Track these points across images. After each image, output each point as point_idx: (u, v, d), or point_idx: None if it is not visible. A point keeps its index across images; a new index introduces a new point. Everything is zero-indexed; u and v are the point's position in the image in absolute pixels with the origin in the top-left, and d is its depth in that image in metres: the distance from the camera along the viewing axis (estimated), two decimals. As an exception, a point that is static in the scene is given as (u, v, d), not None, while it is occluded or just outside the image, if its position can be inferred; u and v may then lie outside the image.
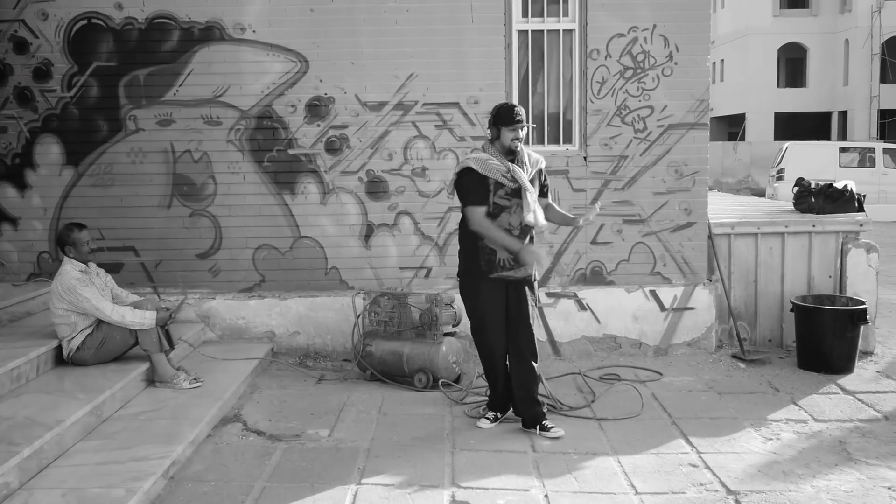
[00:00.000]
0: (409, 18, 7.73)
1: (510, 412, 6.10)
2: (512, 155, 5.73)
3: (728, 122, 44.00)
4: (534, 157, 5.90)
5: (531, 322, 5.87)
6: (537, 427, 5.85)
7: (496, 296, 5.81)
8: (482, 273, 5.77)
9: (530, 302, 5.86)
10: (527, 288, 5.85)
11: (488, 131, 5.83)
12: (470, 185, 5.71)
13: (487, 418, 6.05)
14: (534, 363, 5.88)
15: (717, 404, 6.56)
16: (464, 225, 5.83)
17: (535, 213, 5.68)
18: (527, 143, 7.84)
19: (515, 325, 5.85)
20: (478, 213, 5.66)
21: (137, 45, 7.72)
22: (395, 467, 5.29)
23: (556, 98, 8.02)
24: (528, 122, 5.80)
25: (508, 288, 5.82)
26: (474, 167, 5.67)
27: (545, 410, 6.18)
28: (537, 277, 6.00)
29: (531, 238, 5.86)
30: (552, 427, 5.85)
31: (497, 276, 5.75)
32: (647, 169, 7.89)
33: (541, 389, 6.53)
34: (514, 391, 5.94)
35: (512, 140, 5.68)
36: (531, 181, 5.76)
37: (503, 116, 5.67)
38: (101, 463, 4.96)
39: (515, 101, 7.88)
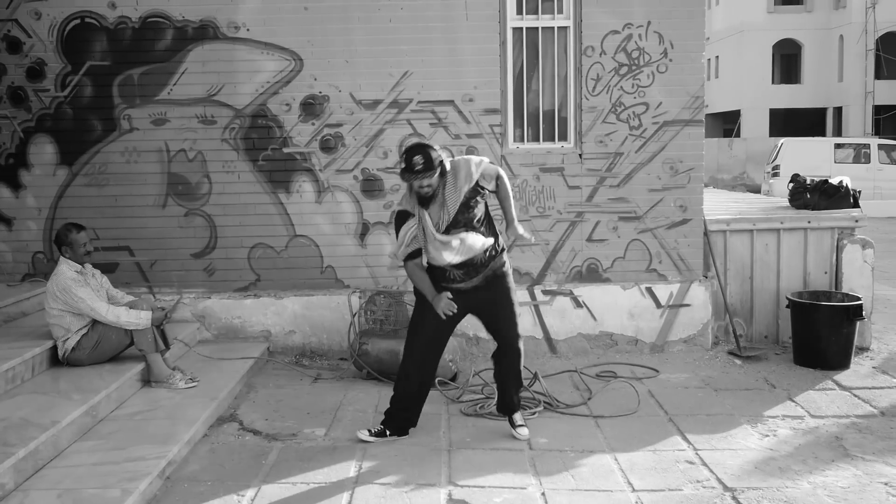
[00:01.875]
0: (403, 16, 7.71)
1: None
2: (425, 200, 5.39)
3: (723, 118, 44.02)
4: (467, 170, 5.44)
5: (516, 315, 5.69)
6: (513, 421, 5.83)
7: (433, 317, 5.57)
8: (437, 284, 5.57)
9: (512, 296, 5.67)
10: (503, 280, 5.63)
11: None
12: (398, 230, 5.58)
13: (370, 434, 5.75)
14: (520, 360, 5.79)
15: (714, 401, 6.56)
16: None
17: (449, 248, 5.38)
18: (521, 140, 7.93)
19: (499, 321, 5.70)
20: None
21: (131, 44, 7.70)
22: (391, 466, 5.28)
23: (550, 95, 8.01)
24: (434, 168, 5.28)
25: (475, 294, 5.58)
26: (406, 208, 5.51)
27: (543, 409, 6.21)
28: (507, 269, 5.69)
29: (486, 254, 5.54)
30: (519, 425, 5.82)
31: (450, 287, 5.54)
32: (642, 166, 7.89)
33: (537, 387, 6.55)
34: (503, 388, 5.86)
35: (419, 188, 5.32)
36: (468, 201, 5.42)
37: (403, 161, 5.33)
38: (97, 464, 4.95)
39: (510, 98, 7.87)
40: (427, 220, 5.37)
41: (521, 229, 5.61)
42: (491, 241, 5.53)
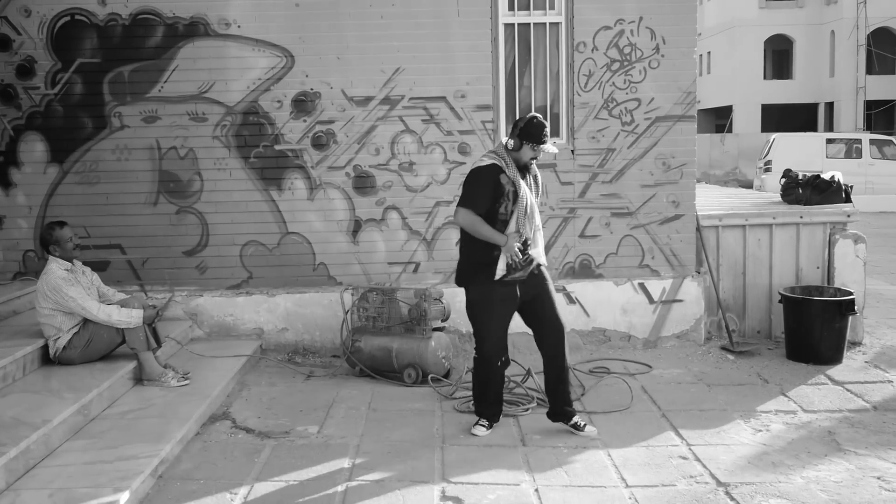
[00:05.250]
0: (394, 13, 7.69)
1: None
2: (525, 170, 5.65)
3: (715, 114, 44.09)
4: (534, 170, 5.81)
5: (558, 310, 5.75)
6: (568, 422, 5.80)
7: (511, 300, 5.64)
8: (502, 277, 5.56)
9: (551, 287, 5.76)
10: (543, 273, 5.74)
11: (509, 141, 5.60)
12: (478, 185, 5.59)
13: (482, 425, 5.79)
14: (567, 357, 5.78)
15: (707, 396, 6.56)
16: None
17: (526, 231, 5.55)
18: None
19: (545, 316, 5.70)
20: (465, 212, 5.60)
21: (121, 41, 7.67)
22: (384, 463, 5.27)
23: (543, 91, 8.00)
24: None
25: (524, 284, 5.64)
26: (499, 165, 5.58)
27: (536, 405, 6.22)
28: (545, 263, 5.82)
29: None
30: (585, 425, 5.79)
31: (511, 278, 5.55)
32: (634, 161, 7.89)
33: (530, 383, 6.54)
34: (551, 385, 5.80)
35: (531, 158, 5.62)
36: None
37: (533, 133, 5.52)
38: (89, 462, 4.93)
39: (502, 94, 7.87)
40: (525, 188, 5.59)
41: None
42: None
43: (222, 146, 7.79)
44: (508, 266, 5.52)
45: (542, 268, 5.75)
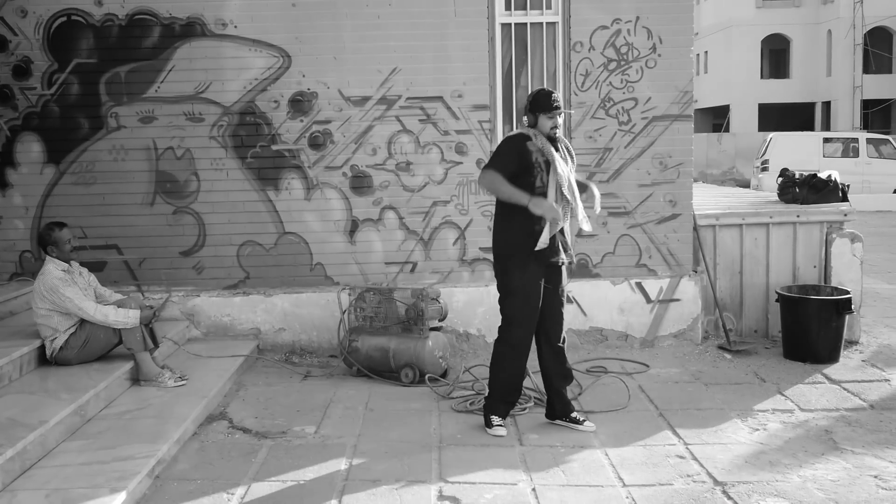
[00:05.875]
0: (391, 12, 7.69)
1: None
2: (553, 142, 5.58)
3: (712, 113, 44.13)
4: (564, 141, 5.77)
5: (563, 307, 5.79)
6: (567, 418, 5.84)
7: (539, 281, 5.59)
8: (540, 252, 5.51)
9: (566, 285, 5.78)
10: (563, 270, 5.75)
11: (524, 118, 5.66)
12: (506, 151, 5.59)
13: (501, 425, 5.76)
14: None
15: (704, 395, 6.57)
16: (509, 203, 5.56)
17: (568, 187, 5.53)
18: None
19: (552, 310, 5.71)
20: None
21: (118, 41, 7.66)
22: (381, 463, 5.27)
23: (540, 91, 8.00)
24: (565, 107, 5.70)
25: (548, 272, 5.62)
26: (527, 133, 5.60)
27: (533, 405, 6.22)
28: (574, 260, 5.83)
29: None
30: (584, 420, 5.86)
31: (554, 260, 5.57)
32: (631, 161, 7.89)
33: (527, 383, 6.54)
34: (551, 382, 5.83)
35: (551, 128, 5.54)
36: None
37: (541, 103, 5.51)
38: (86, 463, 4.92)
39: (499, 94, 7.87)
40: (559, 158, 5.52)
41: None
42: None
43: (219, 146, 7.78)
44: (552, 241, 5.52)
45: (569, 263, 5.76)
